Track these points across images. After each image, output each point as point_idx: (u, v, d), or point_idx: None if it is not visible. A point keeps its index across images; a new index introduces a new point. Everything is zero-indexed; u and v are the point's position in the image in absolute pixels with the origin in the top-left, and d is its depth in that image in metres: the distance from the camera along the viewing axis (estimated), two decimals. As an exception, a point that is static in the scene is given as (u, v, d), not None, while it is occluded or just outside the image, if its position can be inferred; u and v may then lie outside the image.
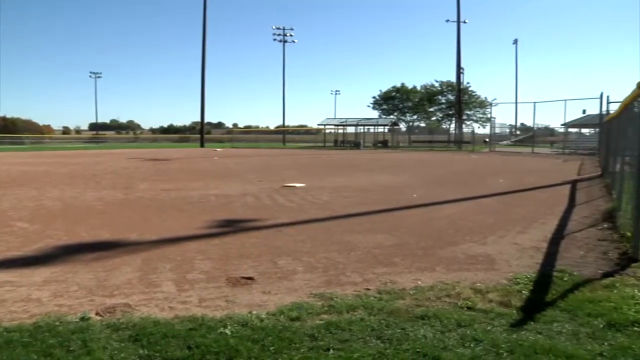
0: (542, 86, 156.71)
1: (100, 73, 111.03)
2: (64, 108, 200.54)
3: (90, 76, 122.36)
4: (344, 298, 4.82)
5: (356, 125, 67.82)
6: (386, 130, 69.88)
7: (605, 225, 8.38)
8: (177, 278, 5.54)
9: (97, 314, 4.44)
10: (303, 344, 3.78)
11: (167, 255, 6.50)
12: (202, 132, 66.03)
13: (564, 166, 25.07)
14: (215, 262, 6.21)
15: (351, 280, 5.48)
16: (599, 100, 30.59)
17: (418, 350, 3.67)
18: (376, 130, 70.21)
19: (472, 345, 3.76)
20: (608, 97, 34.51)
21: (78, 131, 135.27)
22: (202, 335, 3.90)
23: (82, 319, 4.26)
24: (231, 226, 8.68)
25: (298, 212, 10.16)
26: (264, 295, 4.98)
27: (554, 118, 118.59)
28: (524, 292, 5.00)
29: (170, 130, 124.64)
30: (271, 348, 3.71)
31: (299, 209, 10.57)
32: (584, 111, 39.73)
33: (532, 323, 4.18)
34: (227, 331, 3.99)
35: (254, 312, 4.45)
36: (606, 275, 5.58)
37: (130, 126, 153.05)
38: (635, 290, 4.97)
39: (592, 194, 13.00)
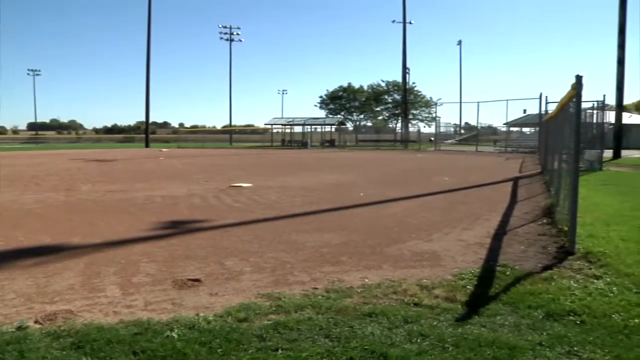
0: (485, 86, 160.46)
1: (39, 70, 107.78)
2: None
3: (28, 74, 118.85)
4: (292, 298, 4.82)
5: (303, 125, 67.81)
6: (333, 130, 70.17)
7: (544, 221, 8.65)
8: (121, 282, 5.42)
9: (36, 322, 4.29)
10: (251, 345, 3.76)
11: (112, 259, 6.36)
12: (147, 132, 64.73)
13: (506, 164, 25.70)
14: (161, 264, 6.11)
15: (299, 279, 5.48)
16: (538, 100, 31.46)
17: (366, 347, 3.70)
18: (323, 130, 70.38)
19: (418, 340, 3.82)
20: (547, 97, 35.62)
21: (15, 131, 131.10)
22: (148, 340, 3.83)
23: (19, 328, 4.11)
24: (177, 227, 8.56)
25: (245, 212, 10.10)
26: (211, 297, 4.93)
27: (496, 117, 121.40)
28: (468, 287, 5.11)
29: (114, 130, 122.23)
30: (219, 350, 3.68)
31: (246, 209, 10.51)
32: (524, 111, 40.71)
33: (476, 317, 4.28)
34: (174, 334, 3.93)
35: (201, 314, 4.40)
36: (545, 268, 5.77)
37: (72, 126, 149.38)
38: (571, 282, 5.16)
39: (533, 191, 13.36)
